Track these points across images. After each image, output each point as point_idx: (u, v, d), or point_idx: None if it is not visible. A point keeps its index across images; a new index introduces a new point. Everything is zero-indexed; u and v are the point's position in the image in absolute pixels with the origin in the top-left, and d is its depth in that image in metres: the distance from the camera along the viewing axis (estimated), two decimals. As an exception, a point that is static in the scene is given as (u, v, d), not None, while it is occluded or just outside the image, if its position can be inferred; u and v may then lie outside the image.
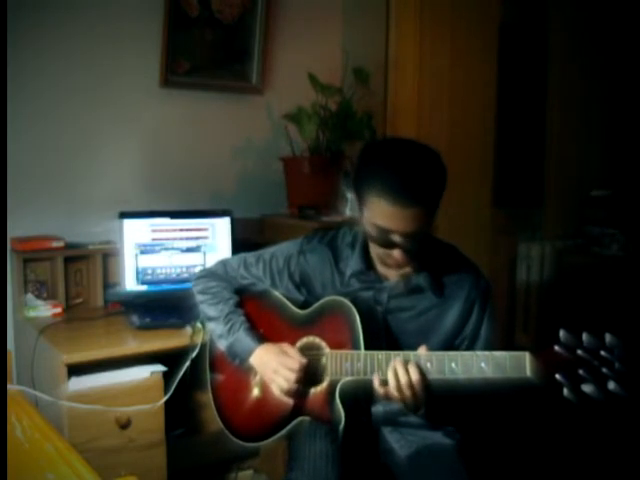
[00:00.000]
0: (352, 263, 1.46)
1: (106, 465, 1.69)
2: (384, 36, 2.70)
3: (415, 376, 1.26)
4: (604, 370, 1.07)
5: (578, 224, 3.41)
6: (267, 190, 2.71)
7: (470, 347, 1.43)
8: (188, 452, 2.16)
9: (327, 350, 1.43)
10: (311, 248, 1.53)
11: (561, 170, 3.41)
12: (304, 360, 1.43)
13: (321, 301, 1.47)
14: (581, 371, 1.08)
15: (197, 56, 2.52)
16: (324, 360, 1.42)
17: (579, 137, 3.41)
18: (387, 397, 1.31)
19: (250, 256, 1.64)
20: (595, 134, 3.48)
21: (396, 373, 1.27)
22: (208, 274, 1.68)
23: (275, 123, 2.70)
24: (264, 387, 1.52)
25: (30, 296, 2.19)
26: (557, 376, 1.10)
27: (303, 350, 1.47)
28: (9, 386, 1.56)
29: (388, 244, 1.31)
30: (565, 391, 1.10)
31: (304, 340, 1.48)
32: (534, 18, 3.38)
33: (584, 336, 1.10)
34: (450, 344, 1.43)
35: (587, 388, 1.07)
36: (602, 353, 1.08)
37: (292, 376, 1.42)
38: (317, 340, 1.46)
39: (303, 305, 1.53)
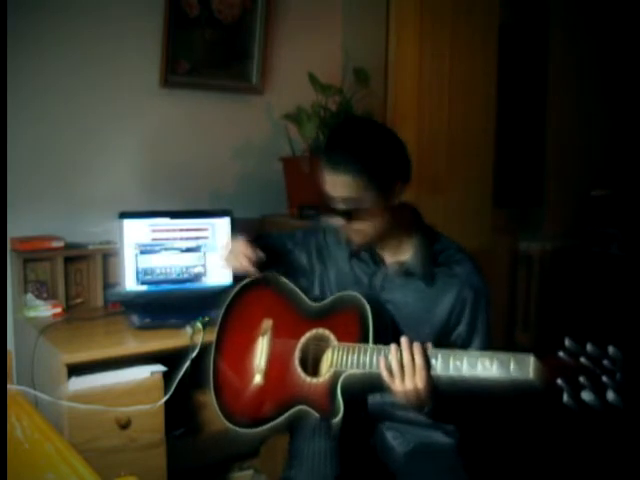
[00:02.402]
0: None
1: (106, 465, 1.70)
2: (384, 36, 2.70)
3: (419, 360, 1.25)
4: (604, 379, 1.07)
5: (578, 224, 3.42)
6: (267, 190, 2.71)
7: (466, 346, 1.43)
8: (188, 452, 2.15)
9: (335, 343, 1.43)
10: (328, 229, 1.60)
11: (561, 170, 3.42)
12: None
13: (335, 295, 1.50)
14: (582, 378, 1.09)
15: (197, 56, 2.52)
16: (330, 351, 1.43)
17: (579, 137, 3.42)
18: (392, 389, 1.30)
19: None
20: (595, 134, 3.48)
21: (400, 352, 1.28)
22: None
23: (275, 123, 2.69)
24: (266, 374, 1.52)
25: (30, 296, 2.19)
26: (558, 381, 1.11)
27: (311, 340, 1.48)
28: (9, 386, 1.57)
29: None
30: (565, 397, 1.10)
31: (313, 331, 1.49)
32: (534, 18, 3.38)
33: (588, 346, 1.11)
34: (442, 338, 1.42)
35: (586, 396, 1.08)
36: (604, 362, 1.08)
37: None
38: (327, 332, 1.46)
39: (312, 284, 1.63)
